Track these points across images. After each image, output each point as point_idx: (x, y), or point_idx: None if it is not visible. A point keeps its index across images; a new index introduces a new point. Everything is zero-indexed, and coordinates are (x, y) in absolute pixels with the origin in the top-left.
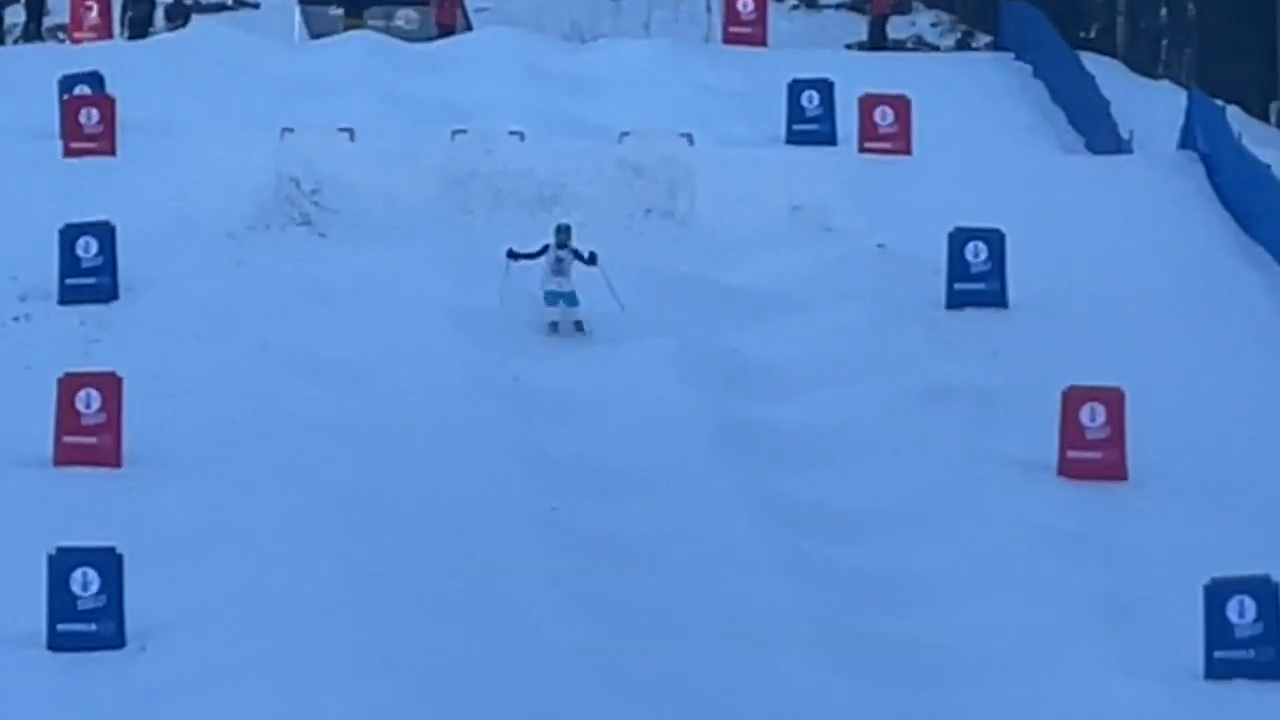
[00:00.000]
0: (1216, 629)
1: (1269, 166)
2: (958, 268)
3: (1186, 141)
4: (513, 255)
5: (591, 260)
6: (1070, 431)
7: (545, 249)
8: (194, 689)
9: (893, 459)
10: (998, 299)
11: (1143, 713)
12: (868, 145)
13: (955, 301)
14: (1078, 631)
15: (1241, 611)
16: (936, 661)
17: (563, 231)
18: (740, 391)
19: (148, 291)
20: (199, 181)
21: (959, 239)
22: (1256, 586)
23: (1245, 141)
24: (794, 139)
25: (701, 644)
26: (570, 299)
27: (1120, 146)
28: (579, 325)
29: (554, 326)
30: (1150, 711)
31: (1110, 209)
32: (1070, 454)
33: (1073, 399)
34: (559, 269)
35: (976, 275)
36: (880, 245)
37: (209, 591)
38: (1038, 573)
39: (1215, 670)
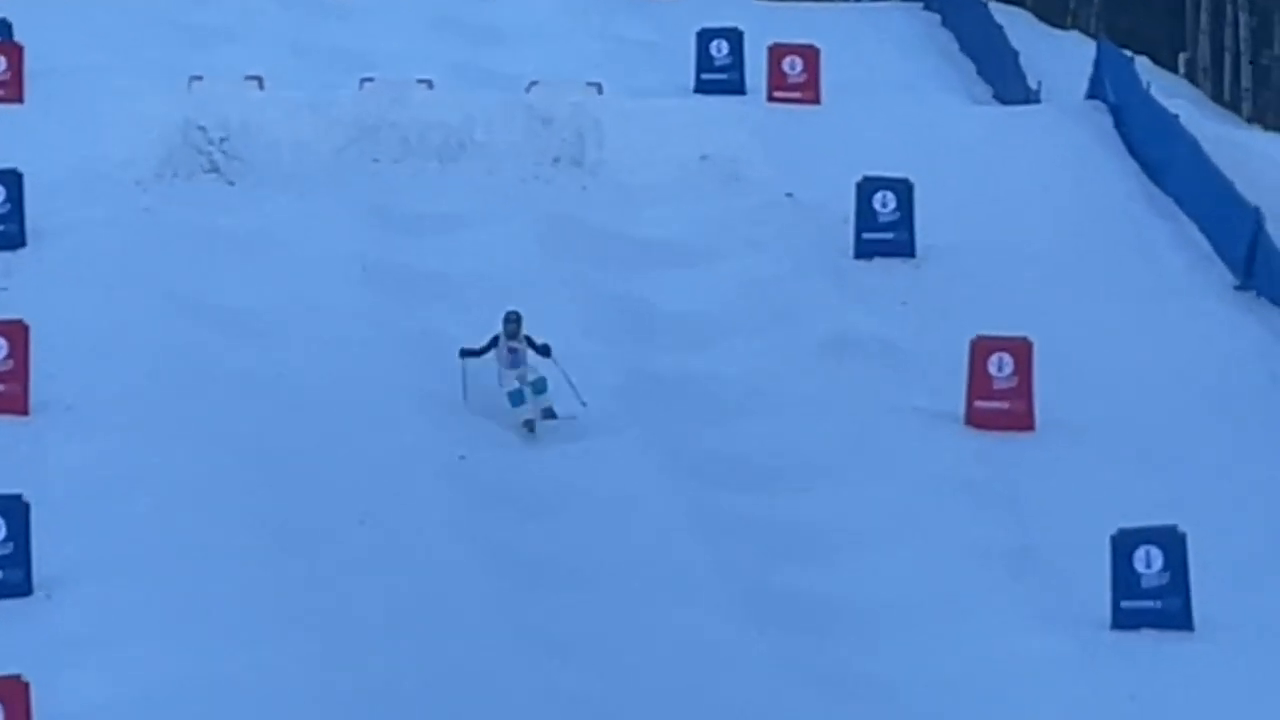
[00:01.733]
0: (1123, 579)
1: (1177, 116)
2: (866, 217)
3: (1095, 92)
4: (465, 354)
5: (545, 352)
6: (978, 381)
7: (495, 341)
8: (101, 637)
9: (801, 409)
10: (906, 249)
11: (1050, 663)
12: (776, 95)
13: (863, 251)
14: (984, 582)
15: (1148, 562)
16: (844, 612)
17: (512, 321)
18: (648, 342)
19: (55, 239)
20: (107, 129)
21: (867, 188)
22: (1163, 537)
23: (1153, 92)
24: (703, 88)
25: (610, 596)
26: (537, 386)
27: (1029, 96)
28: (550, 412)
29: (529, 426)
30: (1057, 662)
31: (1019, 159)
32: (978, 404)
33: (980, 349)
34: (515, 361)
35: (885, 225)
36: (789, 195)
37: (116, 540)
38: (945, 523)
39: (1122, 620)
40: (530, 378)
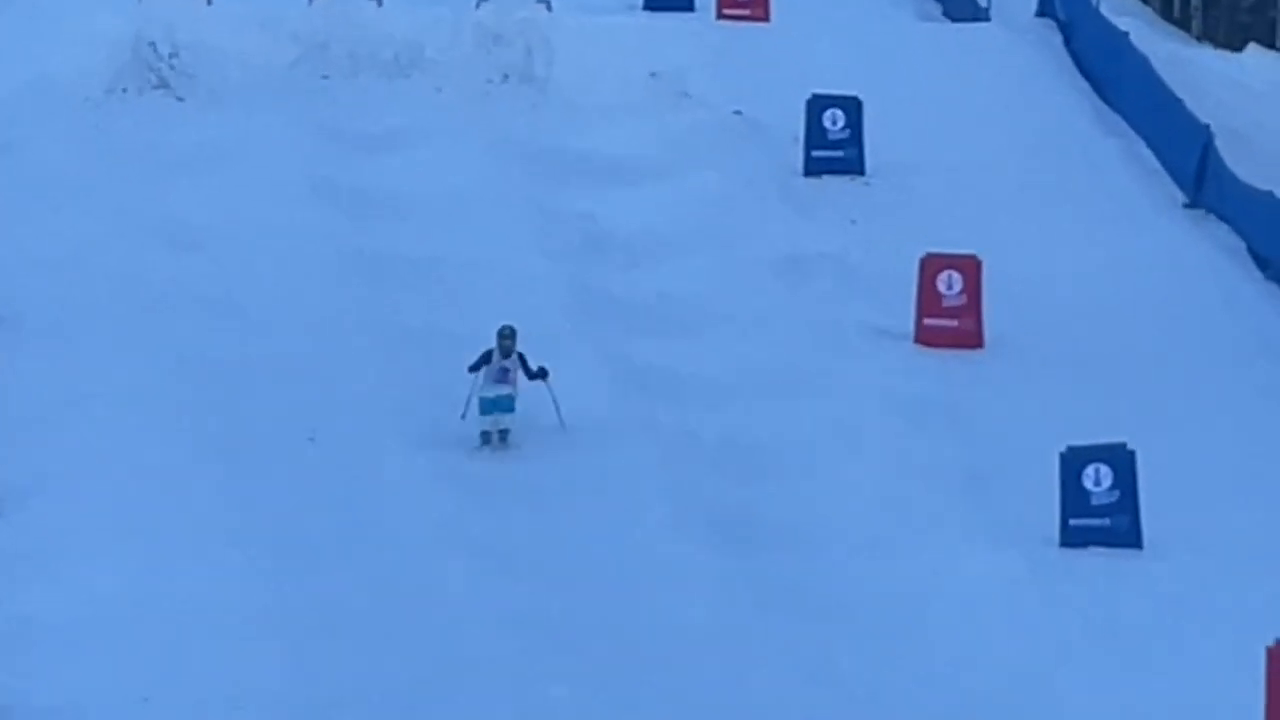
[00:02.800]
0: (1072, 497)
1: (1126, 34)
2: (815, 135)
3: (1045, 9)
4: (474, 369)
5: (541, 374)
6: (927, 299)
7: (488, 356)
8: (52, 553)
9: (750, 327)
10: (855, 166)
11: (998, 581)
12: (726, 12)
13: (813, 169)
14: (933, 500)
15: (1097, 479)
16: (795, 529)
17: (506, 337)
18: (597, 259)
19: (5, 155)
20: (57, 46)
21: (817, 106)
22: (1112, 455)
23: (1103, 9)
24: (651, 5)
25: (560, 513)
26: (506, 404)
27: (978, 14)
28: (503, 435)
29: (485, 437)
30: (1006, 580)
31: (968, 77)
32: (927, 322)
33: (930, 267)
34: (503, 378)
35: (834, 143)
36: (738, 112)
37: (67, 458)
38: (894, 441)
39: (1071, 538)
40: (504, 392)
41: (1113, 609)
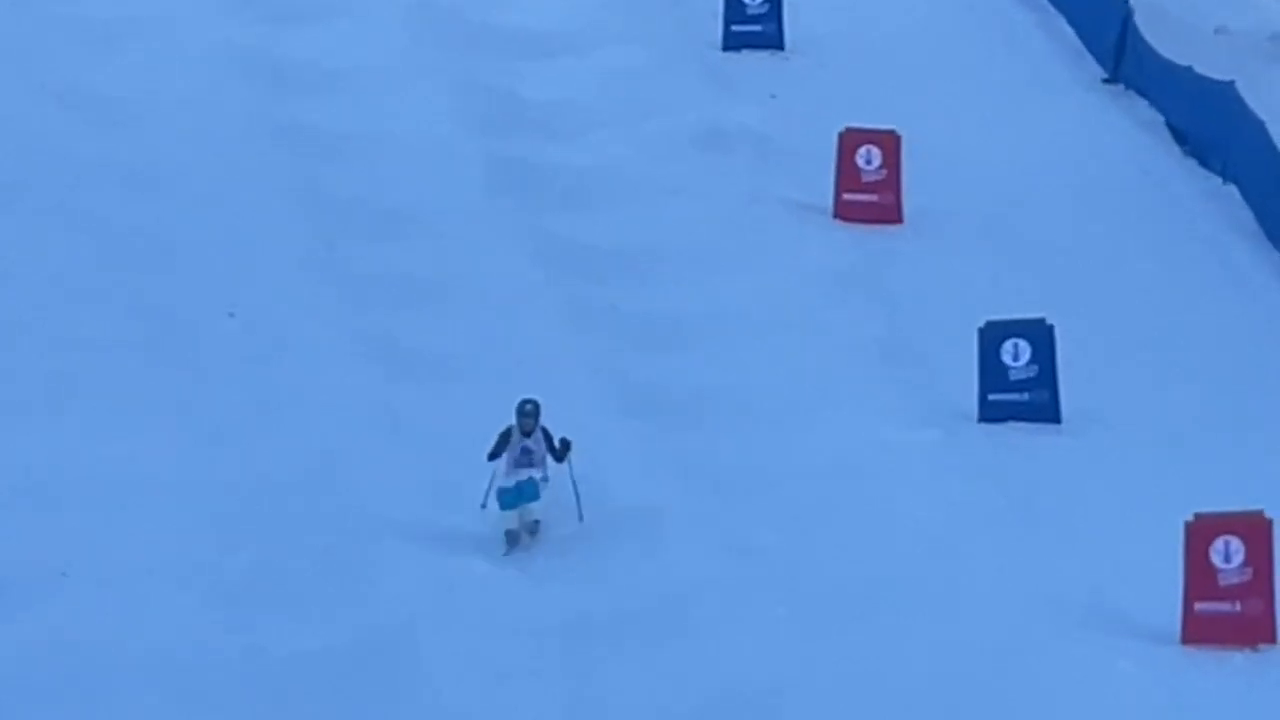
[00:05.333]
0: (990, 372)
1: None
2: (734, 9)
3: None
4: (494, 456)
5: (564, 451)
6: (846, 174)
7: (507, 435)
8: None
9: (670, 201)
10: (774, 41)
11: (917, 455)
12: None
13: (732, 43)
14: (853, 374)
15: (1016, 354)
16: (713, 403)
17: (528, 415)
18: (517, 132)
19: None
20: None
21: None
22: (1031, 330)
23: None
24: None
25: (478, 384)
26: (530, 490)
27: None
28: (533, 529)
29: (511, 538)
30: (924, 454)
31: None
32: (846, 197)
33: (849, 141)
34: (526, 460)
35: (753, 17)
36: None
37: None
38: (814, 315)
39: (989, 413)
40: (525, 477)
41: (1030, 483)
